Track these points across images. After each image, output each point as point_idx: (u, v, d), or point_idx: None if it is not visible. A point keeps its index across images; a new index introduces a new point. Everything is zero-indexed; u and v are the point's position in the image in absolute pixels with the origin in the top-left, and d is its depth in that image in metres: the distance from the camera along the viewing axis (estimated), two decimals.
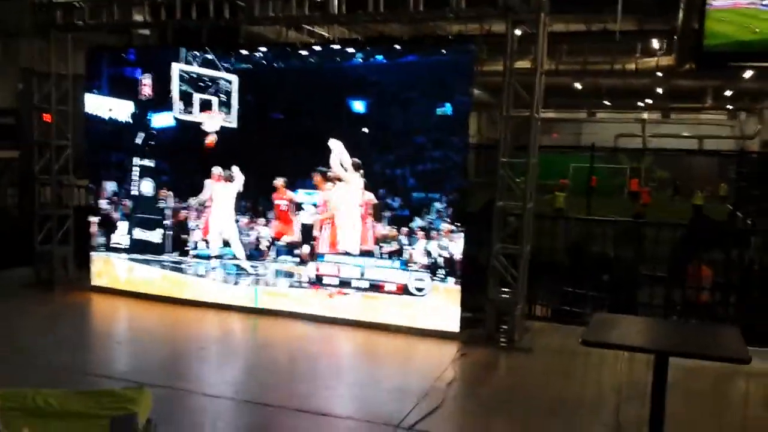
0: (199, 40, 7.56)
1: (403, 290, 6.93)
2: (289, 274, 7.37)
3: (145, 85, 7.76)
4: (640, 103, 29.78)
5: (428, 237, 6.81)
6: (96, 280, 8.26)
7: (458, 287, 6.74)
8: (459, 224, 6.71)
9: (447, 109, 6.67)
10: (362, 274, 7.06)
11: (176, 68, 7.56)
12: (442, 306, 6.82)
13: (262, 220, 7.45)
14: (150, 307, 7.71)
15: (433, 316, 6.85)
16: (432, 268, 6.82)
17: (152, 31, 8.26)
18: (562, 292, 8.95)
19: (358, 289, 7.09)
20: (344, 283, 7.15)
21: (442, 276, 6.80)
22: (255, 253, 7.51)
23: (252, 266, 7.53)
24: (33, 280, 8.40)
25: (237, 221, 7.54)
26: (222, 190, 7.57)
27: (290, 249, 7.36)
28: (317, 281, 7.24)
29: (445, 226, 6.74)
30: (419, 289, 6.89)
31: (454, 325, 6.77)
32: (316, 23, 9.34)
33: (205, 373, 6.05)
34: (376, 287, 7.03)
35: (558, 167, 24.28)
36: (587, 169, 17.31)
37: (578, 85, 23.04)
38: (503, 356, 6.45)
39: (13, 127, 8.77)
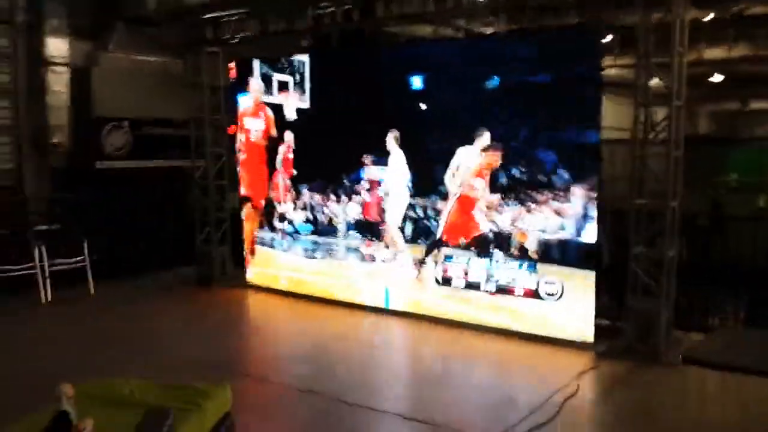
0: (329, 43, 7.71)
1: (533, 294, 6.48)
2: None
3: None
4: None
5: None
6: (252, 279, 8.75)
7: (592, 290, 6.15)
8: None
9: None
10: (490, 277, 6.73)
11: None
12: (575, 311, 6.28)
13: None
14: (297, 304, 7.98)
15: (566, 322, 6.33)
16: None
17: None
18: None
19: (487, 292, 6.77)
20: (471, 286, 6.86)
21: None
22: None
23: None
24: (194, 278, 9.05)
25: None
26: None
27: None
28: (444, 283, 7.03)
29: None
30: (550, 294, 6.41)
31: (588, 334, 6.20)
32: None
33: (303, 372, 6.01)
34: (504, 291, 6.66)
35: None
36: None
37: None
38: (641, 371, 5.73)
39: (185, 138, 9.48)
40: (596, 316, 6.18)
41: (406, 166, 7.20)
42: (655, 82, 5.98)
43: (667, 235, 5.89)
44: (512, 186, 6.55)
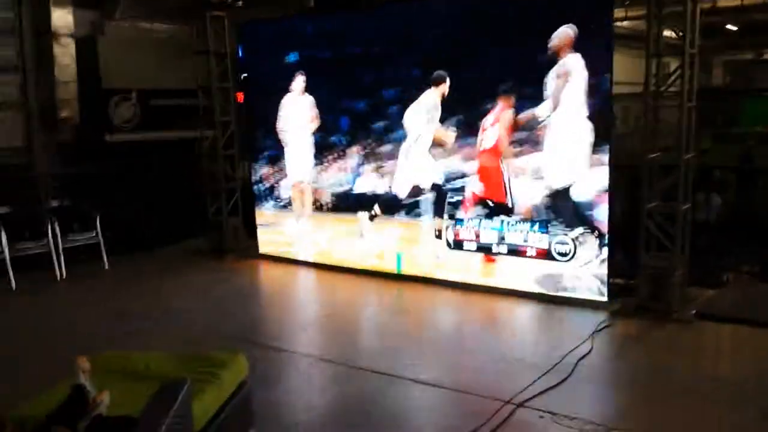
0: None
1: (546, 255, 6.45)
2: None
3: None
4: None
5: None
6: (264, 248, 8.77)
7: (605, 249, 6.12)
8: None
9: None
10: (502, 239, 6.70)
11: None
12: (588, 271, 6.25)
13: None
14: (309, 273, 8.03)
15: (579, 282, 6.31)
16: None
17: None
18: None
19: (499, 254, 6.75)
20: (482, 248, 6.84)
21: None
22: None
23: None
24: (207, 249, 9.08)
25: None
26: None
27: None
28: (457, 247, 7.01)
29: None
30: (562, 254, 6.37)
31: (602, 293, 6.18)
32: None
33: (320, 340, 6.09)
34: (515, 252, 6.63)
35: None
36: None
37: None
38: (654, 329, 5.72)
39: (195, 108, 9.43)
40: (609, 275, 6.15)
41: None
42: (667, 33, 5.87)
43: (681, 189, 5.81)
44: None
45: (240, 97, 9.12)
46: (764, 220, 7.22)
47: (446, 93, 6.79)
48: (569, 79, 6.01)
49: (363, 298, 7.24)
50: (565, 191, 6.24)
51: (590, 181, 6.06)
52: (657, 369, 4.95)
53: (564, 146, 6.17)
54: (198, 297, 7.27)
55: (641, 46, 6.00)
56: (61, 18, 9.35)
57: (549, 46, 6.03)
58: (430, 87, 6.85)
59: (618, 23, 6.34)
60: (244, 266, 8.53)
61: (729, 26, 14.46)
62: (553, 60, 6.05)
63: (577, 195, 6.19)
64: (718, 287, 6.39)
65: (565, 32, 5.96)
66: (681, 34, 5.71)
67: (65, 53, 9.46)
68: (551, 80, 6.10)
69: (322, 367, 5.24)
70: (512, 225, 6.60)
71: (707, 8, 8.90)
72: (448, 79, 6.75)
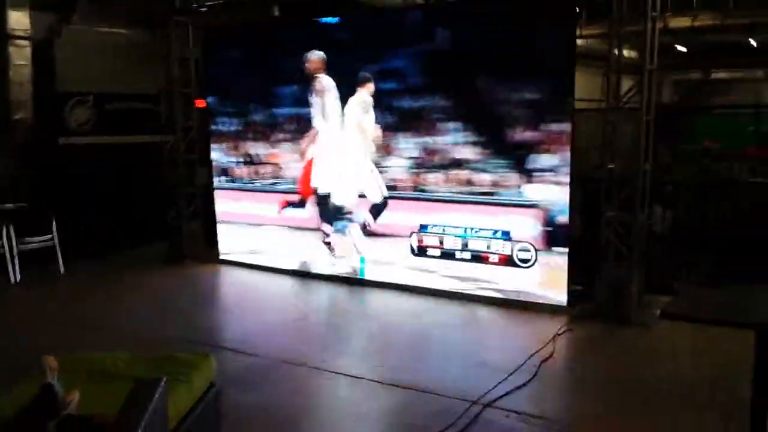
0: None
1: (507, 261, 6.59)
2: None
3: None
4: None
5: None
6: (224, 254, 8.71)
7: (565, 257, 6.28)
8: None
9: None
10: (465, 245, 6.81)
11: None
12: (549, 278, 6.40)
13: None
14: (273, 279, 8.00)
15: (540, 288, 6.46)
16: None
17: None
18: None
19: (462, 260, 6.86)
20: (447, 255, 6.93)
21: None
22: None
23: None
24: (166, 254, 8.95)
25: None
26: None
27: None
28: (420, 253, 7.09)
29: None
30: (524, 261, 6.51)
31: (562, 299, 6.34)
32: None
33: (290, 343, 6.04)
34: (479, 258, 6.74)
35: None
36: None
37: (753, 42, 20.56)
38: (613, 333, 5.90)
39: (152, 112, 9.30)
40: (569, 282, 6.31)
41: None
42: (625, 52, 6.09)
43: (638, 199, 6.01)
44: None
45: (199, 103, 9.03)
46: (715, 230, 7.50)
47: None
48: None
49: (328, 301, 7.25)
50: None
51: None
52: (617, 370, 5.11)
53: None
54: (157, 301, 7.16)
55: (595, 64, 6.21)
56: (18, 20, 9.16)
57: None
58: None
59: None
60: (204, 271, 8.45)
61: (678, 47, 14.99)
62: None
63: None
64: (672, 294, 6.60)
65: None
66: (638, 52, 5.94)
67: (21, 55, 9.26)
68: None
69: (286, 369, 5.22)
70: (476, 232, 6.72)
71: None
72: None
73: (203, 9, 8.17)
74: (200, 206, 9.00)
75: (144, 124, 9.85)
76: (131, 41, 9.99)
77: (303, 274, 7.89)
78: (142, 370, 3.70)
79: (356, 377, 4.99)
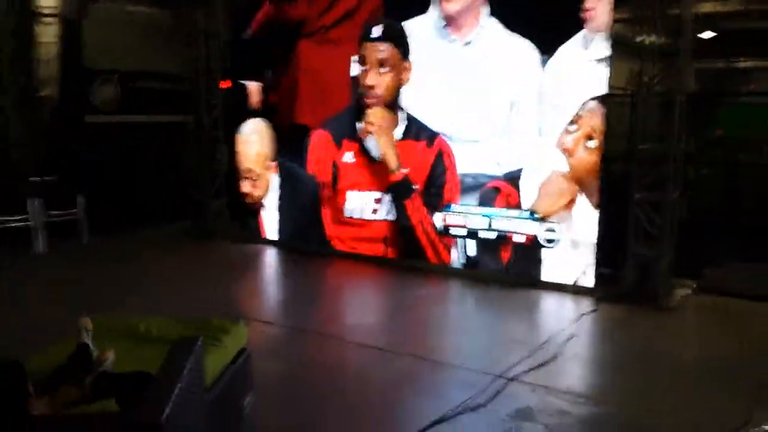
0: None
1: (533, 242, 6.55)
2: None
3: None
4: None
5: None
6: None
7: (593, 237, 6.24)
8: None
9: None
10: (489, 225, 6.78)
11: None
12: (575, 257, 6.37)
13: None
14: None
15: (567, 269, 6.42)
16: None
17: None
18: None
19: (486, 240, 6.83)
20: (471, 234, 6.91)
21: None
22: None
23: None
24: (191, 232, 8.99)
25: None
26: None
27: None
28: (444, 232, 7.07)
29: None
30: (549, 241, 6.47)
31: (588, 279, 6.30)
32: None
33: (314, 315, 6.08)
34: (504, 238, 6.72)
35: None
36: None
37: None
38: (638, 315, 5.84)
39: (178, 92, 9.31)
40: (596, 263, 6.27)
41: None
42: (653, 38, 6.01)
43: (670, 179, 5.94)
44: None
45: (224, 84, 9.02)
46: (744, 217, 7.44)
47: None
48: None
49: (351, 281, 7.27)
50: None
51: None
52: (644, 349, 5.08)
53: None
54: (181, 276, 7.17)
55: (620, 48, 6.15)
56: None
57: None
58: None
59: None
60: (229, 248, 8.46)
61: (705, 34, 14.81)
62: None
63: None
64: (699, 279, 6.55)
65: None
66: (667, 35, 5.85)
67: (48, 32, 9.32)
68: None
69: (312, 339, 5.27)
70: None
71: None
72: None
73: None
74: (223, 185, 9.03)
75: (168, 102, 9.88)
76: (158, 20, 10.02)
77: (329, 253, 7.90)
78: (175, 333, 3.71)
79: (382, 349, 5.01)
